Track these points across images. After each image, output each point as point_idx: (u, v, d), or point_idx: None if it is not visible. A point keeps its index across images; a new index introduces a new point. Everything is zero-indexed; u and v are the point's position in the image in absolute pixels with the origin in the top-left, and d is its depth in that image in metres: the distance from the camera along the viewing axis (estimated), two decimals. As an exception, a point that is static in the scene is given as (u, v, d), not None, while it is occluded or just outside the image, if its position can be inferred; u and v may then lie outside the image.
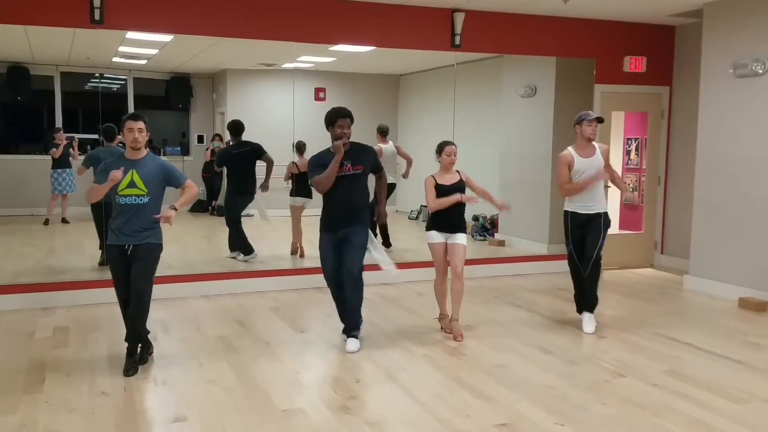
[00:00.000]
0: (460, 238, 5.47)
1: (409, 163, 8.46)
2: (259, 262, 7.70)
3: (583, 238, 5.67)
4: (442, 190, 5.44)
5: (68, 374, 4.53)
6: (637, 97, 8.46)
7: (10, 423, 3.77)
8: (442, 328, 5.62)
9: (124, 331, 5.11)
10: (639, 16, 7.90)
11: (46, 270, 7.38)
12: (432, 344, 5.30)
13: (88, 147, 9.04)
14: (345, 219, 5.17)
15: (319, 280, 5.93)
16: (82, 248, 8.10)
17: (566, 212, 5.76)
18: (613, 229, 8.84)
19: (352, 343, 5.17)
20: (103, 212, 6.56)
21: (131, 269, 4.55)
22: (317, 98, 8.72)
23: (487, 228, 9.59)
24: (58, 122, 9.35)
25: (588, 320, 5.76)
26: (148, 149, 4.72)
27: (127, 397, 4.17)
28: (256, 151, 7.77)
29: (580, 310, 5.88)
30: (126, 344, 4.67)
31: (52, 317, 5.94)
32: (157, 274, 4.71)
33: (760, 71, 6.62)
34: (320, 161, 5.16)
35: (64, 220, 9.27)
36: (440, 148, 5.50)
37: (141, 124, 4.55)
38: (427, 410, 4.00)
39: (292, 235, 8.11)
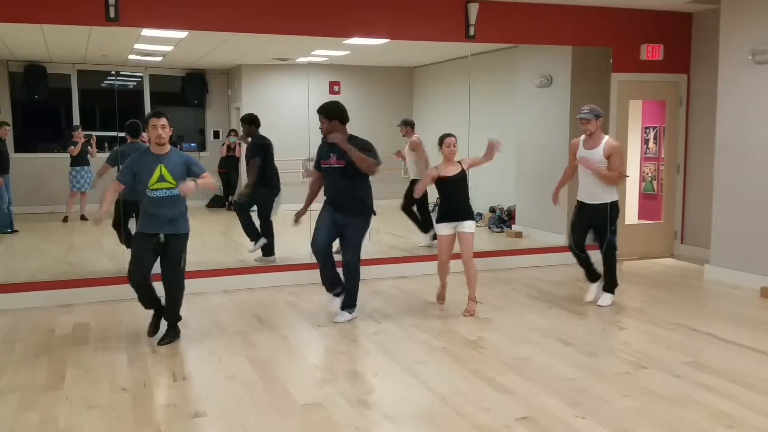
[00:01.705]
0: (468, 226, 5.76)
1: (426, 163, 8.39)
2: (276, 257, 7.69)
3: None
4: (443, 181, 5.76)
5: (88, 371, 4.56)
6: (655, 85, 8.36)
7: (31, 420, 3.80)
8: (438, 299, 6.08)
9: (144, 327, 5.28)
10: (655, 3, 7.79)
11: (66, 267, 7.45)
12: (451, 337, 5.28)
13: (106, 144, 9.10)
14: (340, 207, 5.54)
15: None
16: (101, 245, 8.14)
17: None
18: (632, 218, 8.81)
19: (339, 312, 5.67)
20: (121, 215, 6.69)
21: (162, 260, 5.00)
22: (332, 92, 8.71)
23: (504, 219, 9.54)
24: (76, 120, 9.41)
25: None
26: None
27: (147, 393, 4.20)
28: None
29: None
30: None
31: (72, 314, 5.98)
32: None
33: (781, 57, 6.51)
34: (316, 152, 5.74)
35: (83, 218, 9.32)
36: (441, 140, 5.82)
37: (164, 121, 4.89)
38: (446, 404, 3.98)
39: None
